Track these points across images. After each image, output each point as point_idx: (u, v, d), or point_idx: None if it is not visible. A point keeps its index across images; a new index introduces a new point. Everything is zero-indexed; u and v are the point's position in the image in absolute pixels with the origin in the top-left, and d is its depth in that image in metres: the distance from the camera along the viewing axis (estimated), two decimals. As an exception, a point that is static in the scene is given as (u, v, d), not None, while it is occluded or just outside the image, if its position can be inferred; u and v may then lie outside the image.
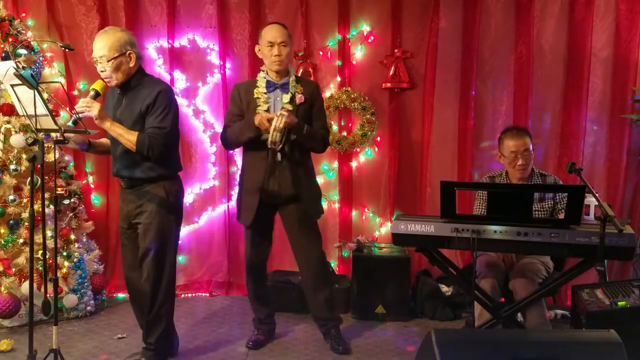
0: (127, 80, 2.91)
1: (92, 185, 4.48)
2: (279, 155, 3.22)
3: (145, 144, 2.82)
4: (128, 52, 2.87)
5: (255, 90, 3.26)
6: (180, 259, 4.35)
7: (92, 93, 2.79)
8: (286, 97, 3.24)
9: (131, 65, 2.89)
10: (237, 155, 4.46)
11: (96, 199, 4.49)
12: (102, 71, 2.86)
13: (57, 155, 3.53)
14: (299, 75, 3.92)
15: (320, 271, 3.44)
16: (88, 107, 2.72)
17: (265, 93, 3.25)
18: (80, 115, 2.70)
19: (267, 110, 3.21)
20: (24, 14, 4.27)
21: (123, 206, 3.07)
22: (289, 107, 3.20)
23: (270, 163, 3.24)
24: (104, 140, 3.13)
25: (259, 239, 3.43)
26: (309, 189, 3.38)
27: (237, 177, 3.53)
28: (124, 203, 3.07)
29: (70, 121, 2.67)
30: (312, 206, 3.38)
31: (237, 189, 4.38)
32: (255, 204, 3.28)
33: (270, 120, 3.03)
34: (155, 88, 2.90)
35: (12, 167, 3.74)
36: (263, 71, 3.31)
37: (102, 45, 2.83)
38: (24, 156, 3.73)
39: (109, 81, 2.87)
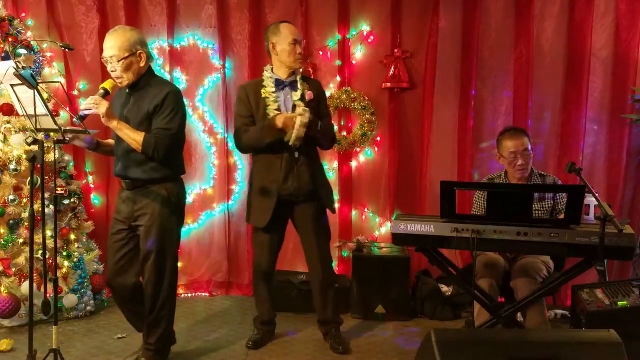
0: (137, 79, 2.89)
1: (92, 185, 4.48)
2: (296, 153, 3.23)
3: (151, 144, 2.81)
4: (139, 52, 2.85)
5: (262, 90, 3.26)
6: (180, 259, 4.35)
7: (101, 91, 2.78)
8: (296, 95, 3.26)
9: (142, 65, 2.88)
10: (237, 155, 4.46)
11: (96, 199, 4.49)
12: (112, 71, 2.84)
13: (57, 155, 3.53)
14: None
15: (330, 271, 3.47)
16: (96, 105, 2.72)
17: (274, 92, 3.26)
18: (87, 112, 2.71)
19: (278, 109, 3.23)
20: (24, 14, 4.26)
21: (123, 207, 3.02)
22: (302, 104, 3.21)
23: (289, 161, 3.24)
24: (111, 140, 3.12)
25: (273, 240, 3.40)
26: (325, 185, 3.42)
27: (247, 179, 3.51)
28: (124, 204, 3.02)
29: (76, 117, 2.69)
30: (329, 201, 3.43)
31: (234, 189, 4.48)
32: (272, 204, 3.26)
33: (289, 119, 3.10)
34: (164, 89, 2.88)
35: (12, 167, 3.74)
36: (267, 70, 3.32)
37: (113, 45, 2.81)
38: (24, 156, 3.73)
39: (120, 81, 2.86)
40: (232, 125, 4.39)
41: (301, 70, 3.37)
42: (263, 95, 3.25)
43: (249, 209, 3.41)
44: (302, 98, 3.25)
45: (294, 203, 3.33)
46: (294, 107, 3.23)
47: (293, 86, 3.29)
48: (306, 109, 3.11)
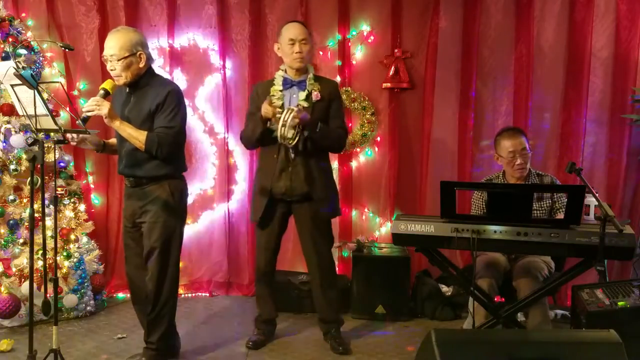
0: (136, 79, 2.92)
1: (92, 185, 4.48)
2: (291, 152, 3.23)
3: (154, 143, 2.84)
4: (139, 52, 2.88)
5: (271, 88, 3.27)
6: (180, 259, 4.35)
7: (101, 92, 2.80)
8: (302, 94, 3.25)
9: (141, 65, 2.91)
10: (237, 155, 4.46)
11: (96, 199, 4.49)
12: (111, 70, 2.88)
13: (57, 155, 3.53)
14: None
15: (328, 272, 3.46)
16: (98, 106, 2.74)
17: (280, 90, 3.26)
18: (90, 113, 2.73)
19: (281, 107, 3.20)
20: (24, 14, 4.26)
21: (128, 205, 3.07)
22: (305, 104, 3.22)
23: (282, 160, 3.24)
24: (114, 140, 3.15)
25: (271, 238, 3.40)
26: (324, 188, 3.34)
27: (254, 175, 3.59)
28: (129, 202, 3.07)
29: (79, 120, 2.71)
30: (325, 205, 3.35)
31: (234, 189, 4.48)
32: (265, 201, 3.29)
33: (269, 108, 3.11)
34: (165, 88, 2.92)
35: (12, 167, 3.73)
36: (281, 70, 3.33)
37: (113, 45, 2.85)
38: (24, 156, 3.73)
39: (118, 80, 2.89)
40: (232, 125, 4.45)
41: (313, 69, 3.36)
42: (271, 93, 3.26)
43: (251, 205, 3.49)
44: (308, 98, 3.24)
45: (289, 202, 3.33)
46: (297, 106, 3.23)
47: (301, 85, 3.28)
48: (294, 108, 3.08)
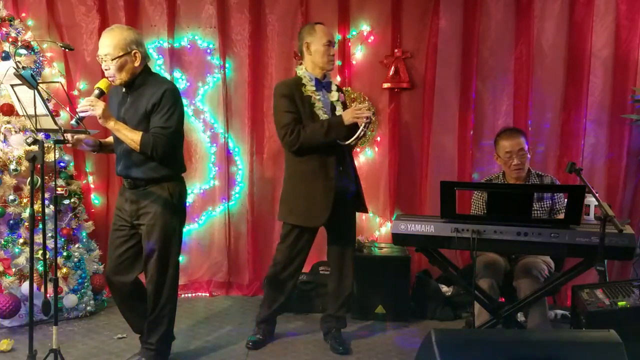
0: (131, 79, 2.86)
1: (92, 185, 4.48)
2: (345, 153, 3.30)
3: (149, 143, 2.79)
4: (133, 51, 2.83)
5: (303, 89, 3.26)
6: (181, 259, 4.33)
7: (96, 92, 2.76)
8: (332, 96, 3.31)
9: (136, 64, 2.85)
10: (237, 155, 4.46)
11: (96, 199, 4.49)
12: (106, 69, 2.83)
13: (57, 155, 3.53)
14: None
15: (352, 269, 3.49)
16: (92, 106, 2.69)
17: (315, 91, 3.27)
18: (84, 114, 2.69)
19: (322, 109, 3.25)
20: (24, 14, 4.26)
21: (125, 206, 3.01)
22: (338, 105, 3.30)
23: (340, 160, 3.29)
24: (112, 139, 3.10)
25: (312, 240, 3.39)
26: (361, 186, 3.51)
27: (289, 180, 3.37)
28: (126, 203, 3.00)
29: (74, 120, 2.67)
30: (364, 202, 3.51)
31: (234, 189, 4.47)
32: (330, 202, 3.24)
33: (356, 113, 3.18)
34: (161, 87, 2.85)
35: (12, 167, 3.73)
36: (302, 69, 3.31)
37: (108, 44, 2.80)
38: (24, 156, 3.73)
39: (113, 80, 2.83)
40: (232, 125, 4.44)
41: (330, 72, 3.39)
42: (305, 94, 3.25)
43: (296, 209, 3.29)
44: (338, 99, 3.30)
45: (342, 201, 3.31)
46: (333, 107, 3.29)
47: (327, 87, 3.32)
48: (371, 109, 3.20)
